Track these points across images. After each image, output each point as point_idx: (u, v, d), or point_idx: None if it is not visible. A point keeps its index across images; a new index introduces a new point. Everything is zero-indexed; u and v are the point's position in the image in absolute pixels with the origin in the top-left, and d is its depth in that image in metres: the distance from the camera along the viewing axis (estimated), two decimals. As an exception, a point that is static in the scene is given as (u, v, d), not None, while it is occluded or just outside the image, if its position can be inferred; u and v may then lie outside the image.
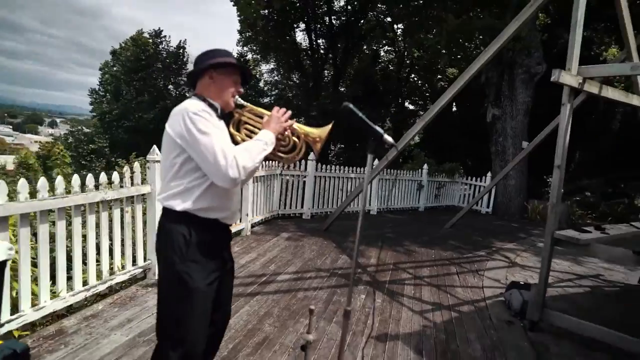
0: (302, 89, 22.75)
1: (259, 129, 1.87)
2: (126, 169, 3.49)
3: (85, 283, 3.14)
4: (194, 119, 1.57)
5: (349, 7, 20.81)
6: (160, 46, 19.59)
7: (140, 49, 17.80)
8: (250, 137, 1.85)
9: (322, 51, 21.71)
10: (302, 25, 21.45)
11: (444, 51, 11.27)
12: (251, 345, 2.85)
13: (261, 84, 24.64)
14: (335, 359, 2.74)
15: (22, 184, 2.55)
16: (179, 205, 1.63)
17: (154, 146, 3.74)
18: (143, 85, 18.22)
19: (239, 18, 20.45)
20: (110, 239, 3.42)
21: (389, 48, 23.07)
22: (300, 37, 22.49)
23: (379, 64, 23.03)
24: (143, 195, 3.71)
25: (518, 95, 10.81)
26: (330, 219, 6.71)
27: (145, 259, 3.82)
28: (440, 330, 3.49)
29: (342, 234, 6.54)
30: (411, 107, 23.28)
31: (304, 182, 7.61)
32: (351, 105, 1.51)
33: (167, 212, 1.67)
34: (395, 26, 19.26)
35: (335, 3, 20.80)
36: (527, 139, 10.72)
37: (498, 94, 11.19)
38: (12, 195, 2.65)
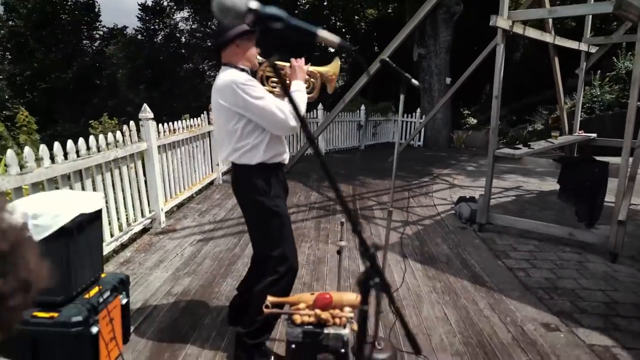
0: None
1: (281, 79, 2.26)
2: (125, 128, 3.70)
3: (111, 235, 3.43)
4: (245, 89, 1.90)
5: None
6: (66, -4, 17.70)
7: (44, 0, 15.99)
8: (275, 88, 2.26)
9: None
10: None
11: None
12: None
13: (178, 34, 23.41)
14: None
15: (58, 147, 2.76)
16: (253, 160, 2.01)
17: (145, 105, 3.94)
18: (54, 42, 16.57)
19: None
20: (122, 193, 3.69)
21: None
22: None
23: (299, 8, 22.86)
24: (141, 151, 3.95)
25: (440, 34, 11.68)
26: (292, 162, 7.23)
27: (149, 211, 4.12)
28: (413, 239, 4.29)
29: (304, 175, 7.13)
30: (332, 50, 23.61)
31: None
32: (387, 58, 2.02)
33: (243, 167, 2.04)
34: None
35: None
36: (450, 75, 11.78)
37: (422, 34, 11.98)
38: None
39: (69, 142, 2.92)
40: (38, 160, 2.74)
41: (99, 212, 2.11)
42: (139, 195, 3.97)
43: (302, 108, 2.07)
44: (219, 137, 2.14)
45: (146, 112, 3.92)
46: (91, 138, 3.17)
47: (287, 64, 2.21)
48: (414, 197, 6.07)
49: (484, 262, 3.76)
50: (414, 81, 2.08)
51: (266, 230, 2.08)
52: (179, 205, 5.03)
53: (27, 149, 2.69)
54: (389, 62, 2.02)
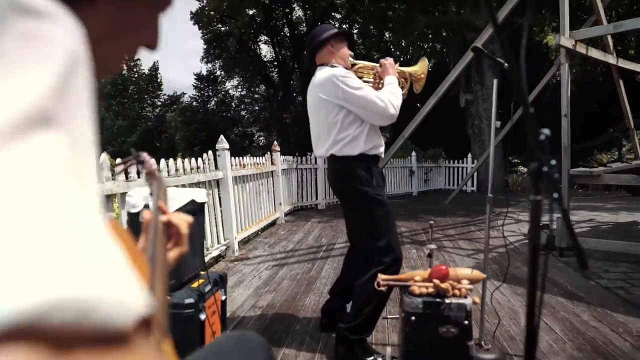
0: (270, 101, 23.30)
1: (371, 78, 2.35)
2: (205, 156, 3.90)
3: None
4: (344, 80, 2.01)
5: (307, 17, 21.58)
6: (134, 69, 19.77)
7: (115, 74, 17.94)
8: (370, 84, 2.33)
9: (288, 62, 22.38)
10: (265, 38, 22.08)
11: (419, 43, 12.12)
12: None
13: (228, 100, 25.05)
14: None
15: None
16: (354, 151, 2.07)
17: (222, 136, 4.16)
18: (121, 110, 18.28)
19: (202, 36, 20.83)
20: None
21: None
22: (265, 49, 23.08)
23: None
24: (217, 180, 4.12)
25: (487, 79, 11.80)
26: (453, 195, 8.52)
27: (224, 238, 4.22)
28: (490, 263, 4.09)
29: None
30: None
31: (316, 174, 8.10)
32: (479, 46, 2.08)
33: (345, 159, 2.08)
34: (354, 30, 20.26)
35: (294, 14, 21.56)
36: (499, 119, 11.71)
37: (468, 80, 12.15)
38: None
39: (162, 161, 3.11)
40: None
41: (204, 205, 2.20)
42: (216, 222, 4.09)
43: (398, 97, 2.13)
44: (316, 134, 2.21)
45: (223, 142, 4.14)
46: (179, 160, 3.36)
47: (377, 64, 2.31)
48: (480, 230, 5.86)
49: (574, 281, 3.51)
50: (506, 65, 2.11)
51: (371, 220, 2.07)
52: (247, 240, 5.11)
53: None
54: (481, 49, 2.08)
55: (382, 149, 2.22)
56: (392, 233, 2.07)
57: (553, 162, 0.95)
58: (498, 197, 10.72)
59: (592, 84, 14.23)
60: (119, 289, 0.23)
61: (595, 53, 4.74)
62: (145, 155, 0.92)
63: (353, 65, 2.35)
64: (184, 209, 1.91)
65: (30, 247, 0.19)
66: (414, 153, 11.30)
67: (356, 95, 2.01)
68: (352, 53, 2.35)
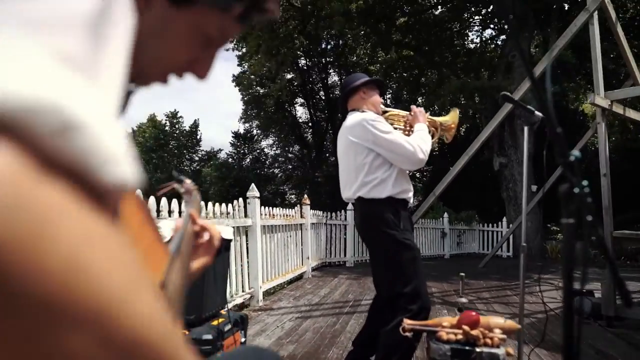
0: (303, 160, 23.84)
1: (402, 125, 2.37)
2: (235, 203, 3.96)
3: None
4: (374, 124, 2.06)
5: (342, 81, 22.53)
6: (176, 126, 20.97)
7: (158, 129, 19.04)
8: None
9: (322, 123, 23.10)
10: (301, 100, 23.05)
11: (448, 107, 12.30)
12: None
13: (263, 158, 25.84)
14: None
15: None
16: (382, 193, 2.06)
17: (252, 184, 4.24)
18: (160, 163, 19.17)
19: (242, 98, 21.97)
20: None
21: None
22: (300, 111, 24.00)
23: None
24: (246, 227, 4.14)
25: (520, 143, 11.69)
26: (487, 258, 8.53)
27: (249, 287, 4.15)
28: (528, 328, 3.81)
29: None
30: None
31: (345, 231, 8.01)
32: (508, 94, 2.09)
33: (372, 201, 2.07)
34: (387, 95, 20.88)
35: (329, 78, 22.56)
36: (535, 183, 11.43)
37: (501, 144, 12.08)
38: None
39: (209, 205, 3.18)
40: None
41: (230, 242, 2.20)
42: (242, 270, 4.05)
43: (427, 143, 2.13)
44: (345, 176, 2.22)
45: (254, 190, 4.21)
46: (209, 204, 3.42)
47: (408, 112, 2.36)
48: (517, 295, 5.52)
49: (626, 354, 3.19)
50: (537, 113, 2.09)
51: (398, 265, 2.00)
52: (272, 292, 5.00)
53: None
54: (511, 97, 2.08)
55: (410, 194, 2.18)
56: (419, 279, 1.98)
57: (585, 182, 0.91)
58: (536, 263, 10.22)
59: (634, 152, 13.85)
60: (111, 135, 0.23)
61: (633, 114, 4.66)
62: (185, 178, 0.96)
63: (384, 112, 2.40)
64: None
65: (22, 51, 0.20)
66: (446, 214, 11.07)
67: (385, 138, 2.03)
68: (383, 101, 2.40)
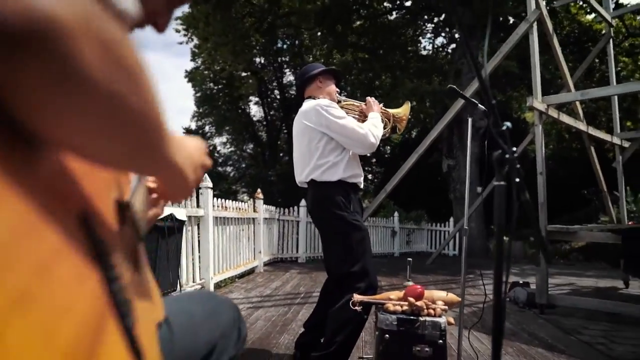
0: (258, 159, 23.66)
1: (357, 114, 2.46)
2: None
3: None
4: (328, 109, 2.14)
5: (296, 81, 22.51)
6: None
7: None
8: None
9: (276, 122, 23.04)
10: (255, 99, 22.87)
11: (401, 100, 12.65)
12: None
13: (216, 156, 25.38)
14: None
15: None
16: (334, 177, 2.13)
17: (205, 174, 4.19)
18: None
19: (194, 94, 21.51)
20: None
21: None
22: (255, 110, 23.81)
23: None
24: (198, 217, 4.08)
25: (467, 146, 12.25)
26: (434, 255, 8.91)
27: (200, 278, 4.09)
28: (470, 316, 4.03)
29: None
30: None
31: (298, 227, 8.06)
32: (454, 87, 2.22)
33: (324, 184, 2.14)
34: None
35: (285, 79, 22.54)
36: (480, 184, 12.04)
37: (450, 147, 12.60)
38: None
39: None
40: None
41: (183, 224, 2.18)
42: (193, 261, 3.99)
43: (379, 129, 2.22)
44: (299, 160, 2.27)
45: (207, 181, 4.16)
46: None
47: (363, 103, 2.45)
48: (459, 289, 5.80)
49: (554, 336, 3.45)
50: (480, 106, 2.24)
51: (347, 245, 2.07)
52: (223, 284, 4.95)
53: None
54: (457, 90, 2.21)
55: (361, 179, 2.27)
56: (367, 258, 2.07)
57: (514, 148, 1.01)
58: (479, 260, 10.67)
59: (569, 160, 14.88)
60: None
61: (566, 118, 5.03)
62: None
63: (339, 102, 2.47)
64: (162, 223, 1.89)
65: None
66: (396, 214, 11.39)
67: (338, 123, 2.10)
68: (339, 90, 2.48)
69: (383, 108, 2.47)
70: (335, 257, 2.14)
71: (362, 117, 2.42)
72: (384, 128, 2.45)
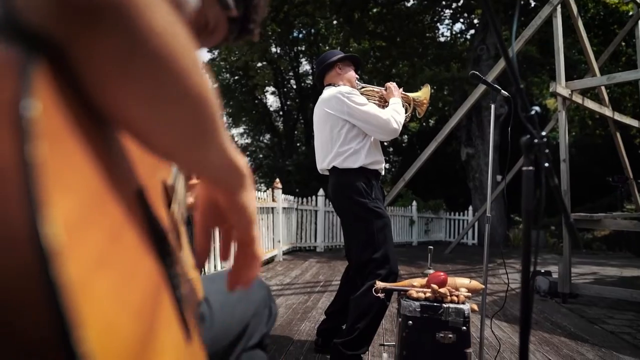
0: (275, 149, 23.73)
1: (377, 100, 2.44)
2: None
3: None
4: (349, 97, 2.13)
5: (313, 70, 22.48)
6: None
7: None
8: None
9: (293, 112, 23.03)
10: (272, 89, 22.87)
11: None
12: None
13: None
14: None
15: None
16: (355, 163, 2.13)
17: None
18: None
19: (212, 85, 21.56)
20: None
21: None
22: (271, 100, 23.83)
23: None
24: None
25: (487, 134, 12.07)
26: (453, 244, 8.98)
27: (221, 267, 4.17)
28: (491, 305, 4.00)
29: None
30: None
31: (316, 216, 8.09)
32: (477, 73, 2.18)
33: (346, 171, 2.14)
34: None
35: (301, 68, 22.44)
36: (500, 172, 11.86)
37: (469, 135, 12.43)
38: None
39: None
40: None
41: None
42: (213, 250, 4.05)
43: (401, 115, 2.20)
44: (320, 148, 2.27)
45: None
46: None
47: (383, 88, 2.42)
48: (480, 277, 5.75)
49: (578, 325, 3.41)
50: (503, 92, 2.19)
51: (368, 232, 2.07)
52: (244, 274, 5.02)
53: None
54: (479, 75, 2.17)
55: (382, 166, 2.26)
56: (388, 245, 2.07)
57: (544, 133, 0.99)
58: (500, 250, 10.55)
59: (592, 146, 14.53)
60: None
61: (591, 104, 4.90)
62: None
63: (360, 87, 2.45)
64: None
65: None
66: (414, 203, 11.32)
67: (360, 109, 2.09)
68: (358, 76, 2.45)
69: (403, 93, 2.44)
70: (356, 243, 2.14)
71: (383, 102, 2.40)
72: (405, 113, 2.43)
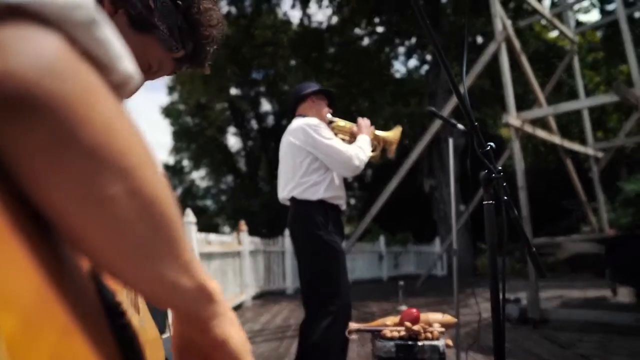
0: (238, 190, 23.45)
1: (347, 136, 2.44)
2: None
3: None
4: (316, 129, 2.12)
5: (274, 110, 22.63)
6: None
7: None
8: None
9: (255, 152, 23.00)
10: (233, 129, 22.84)
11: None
12: None
13: (194, 190, 25.06)
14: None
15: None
16: (314, 195, 2.11)
17: (188, 209, 4.10)
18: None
19: (171, 129, 21.44)
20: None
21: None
22: (233, 141, 23.77)
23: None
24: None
25: (448, 165, 12.43)
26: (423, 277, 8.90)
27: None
28: (465, 337, 3.97)
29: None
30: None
31: (284, 258, 7.93)
32: (433, 109, 2.24)
33: (304, 202, 2.12)
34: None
35: (261, 108, 22.55)
36: (464, 202, 12.17)
37: (430, 167, 12.76)
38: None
39: None
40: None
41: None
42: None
43: (366, 153, 2.21)
44: (283, 177, 2.25)
45: (189, 216, 4.07)
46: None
47: (355, 124, 2.42)
48: (453, 309, 5.75)
49: (550, 351, 3.41)
50: (460, 125, 2.25)
51: (321, 264, 2.06)
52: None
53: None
54: (436, 112, 2.22)
55: (342, 201, 2.25)
56: (341, 278, 2.05)
57: (500, 168, 1.00)
58: (468, 280, 10.65)
59: (546, 172, 15.20)
60: (116, 34, 0.28)
61: (541, 133, 5.15)
62: None
63: (331, 122, 2.40)
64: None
65: None
66: (382, 237, 11.35)
67: (324, 143, 2.10)
68: (331, 111, 2.44)
69: (375, 132, 2.46)
70: (310, 276, 2.10)
71: (353, 138, 2.40)
72: (373, 151, 2.43)
